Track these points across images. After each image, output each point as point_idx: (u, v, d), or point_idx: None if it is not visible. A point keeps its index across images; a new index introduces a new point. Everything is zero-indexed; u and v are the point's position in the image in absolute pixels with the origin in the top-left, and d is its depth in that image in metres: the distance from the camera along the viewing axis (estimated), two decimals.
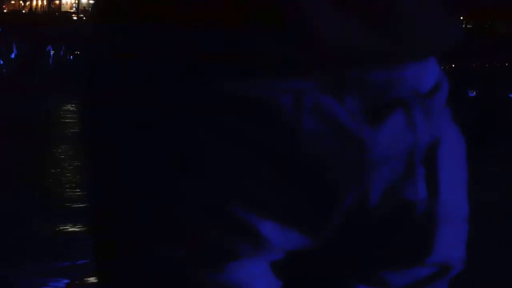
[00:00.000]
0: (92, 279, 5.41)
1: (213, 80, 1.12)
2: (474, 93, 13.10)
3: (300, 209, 1.13)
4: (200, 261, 1.14)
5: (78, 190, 8.02)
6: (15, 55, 20.45)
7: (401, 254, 1.24)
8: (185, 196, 1.15)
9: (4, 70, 19.70)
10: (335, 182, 1.13)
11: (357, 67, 1.14)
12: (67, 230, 6.65)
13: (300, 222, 1.14)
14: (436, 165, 1.20)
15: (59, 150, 10.65)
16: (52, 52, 20.91)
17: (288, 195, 1.12)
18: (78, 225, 6.74)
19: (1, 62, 19.93)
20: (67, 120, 14.20)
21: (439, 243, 1.21)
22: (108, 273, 1.28)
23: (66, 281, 5.44)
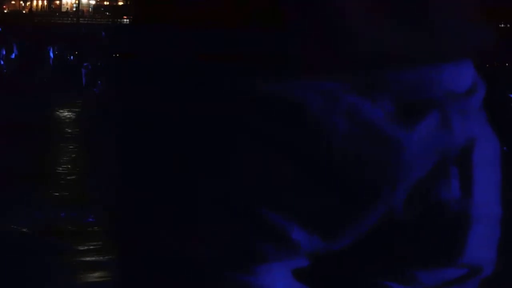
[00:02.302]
0: (92, 278, 5.40)
1: (246, 81, 1.12)
2: None
3: (331, 211, 1.13)
4: (228, 262, 1.13)
5: (77, 190, 8.01)
6: (15, 55, 20.45)
7: (432, 253, 1.24)
8: (215, 197, 1.14)
9: (5, 70, 19.70)
10: (367, 183, 1.13)
11: (392, 67, 1.15)
12: (65, 229, 6.64)
13: (330, 224, 1.14)
14: (470, 166, 1.21)
15: (59, 150, 10.64)
16: (51, 53, 20.90)
17: (318, 197, 1.11)
18: (77, 225, 6.73)
19: (1, 62, 19.93)
20: (66, 121, 14.19)
21: (470, 244, 1.21)
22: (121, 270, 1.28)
23: (66, 280, 5.44)
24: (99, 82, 18.84)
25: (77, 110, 15.61)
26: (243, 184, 1.12)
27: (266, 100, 1.11)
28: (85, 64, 19.53)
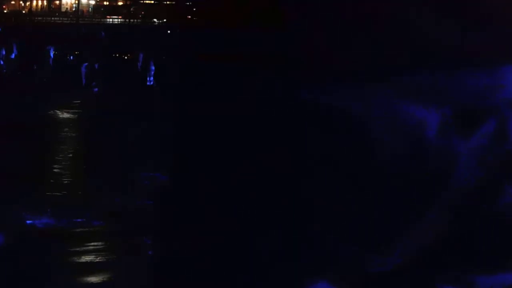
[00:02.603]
0: (92, 278, 5.40)
1: (292, 89, 1.12)
2: None
3: (383, 223, 1.12)
4: (282, 282, 1.12)
5: (76, 190, 8.00)
6: (15, 55, 20.42)
7: (489, 259, 1.24)
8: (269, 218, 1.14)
9: (4, 70, 19.68)
10: (421, 191, 1.13)
11: (450, 71, 1.14)
12: (65, 229, 6.63)
13: (384, 236, 1.13)
14: None
15: (58, 150, 10.62)
16: (51, 53, 20.86)
17: (370, 208, 1.10)
18: (77, 225, 6.72)
19: (1, 62, 19.91)
20: (66, 121, 14.17)
21: None
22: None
23: (65, 279, 5.43)
24: (93, 83, 18.85)
25: (77, 110, 15.58)
26: (287, 197, 1.11)
27: (314, 107, 1.10)
28: (85, 64, 19.49)
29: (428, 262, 1.20)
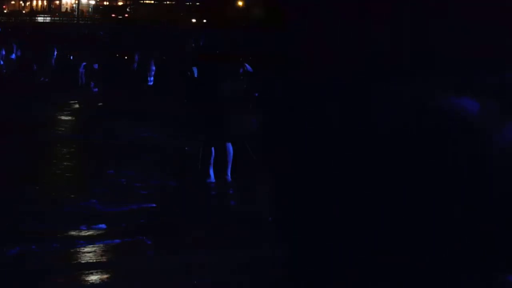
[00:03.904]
0: (93, 278, 5.41)
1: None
2: None
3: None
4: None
5: (74, 189, 8.02)
6: (15, 55, 20.46)
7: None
8: None
9: (4, 70, 19.72)
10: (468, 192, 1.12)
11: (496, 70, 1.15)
12: (65, 229, 6.65)
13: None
14: None
15: (58, 150, 10.64)
16: (52, 53, 20.89)
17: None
18: (77, 225, 6.74)
19: (1, 62, 19.95)
20: (66, 121, 14.20)
21: None
22: None
23: (60, 280, 5.44)
24: (92, 83, 18.87)
25: (76, 110, 15.61)
26: None
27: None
28: (83, 64, 19.50)
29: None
